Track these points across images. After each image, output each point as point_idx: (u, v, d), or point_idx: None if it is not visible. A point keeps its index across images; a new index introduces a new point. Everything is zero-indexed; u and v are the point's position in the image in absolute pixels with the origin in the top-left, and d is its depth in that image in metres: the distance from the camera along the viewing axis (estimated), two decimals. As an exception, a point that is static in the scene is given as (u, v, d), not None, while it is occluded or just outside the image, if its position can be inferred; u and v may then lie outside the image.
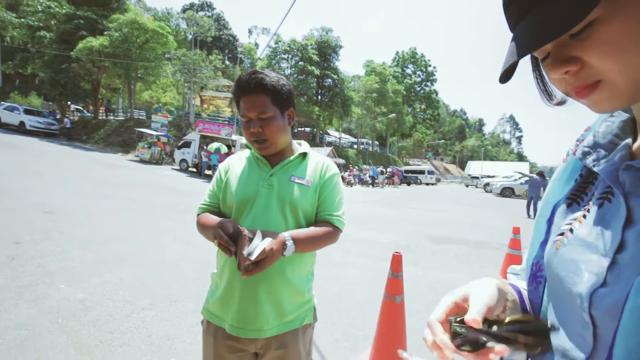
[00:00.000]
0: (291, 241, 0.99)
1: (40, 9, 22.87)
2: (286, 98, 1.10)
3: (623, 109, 0.39)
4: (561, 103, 0.45)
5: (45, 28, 22.83)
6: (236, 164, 1.19)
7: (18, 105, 20.59)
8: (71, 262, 3.56)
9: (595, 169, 0.43)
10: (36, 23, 22.76)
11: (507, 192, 21.40)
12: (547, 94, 0.45)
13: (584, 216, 0.43)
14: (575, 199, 0.46)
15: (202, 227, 1.15)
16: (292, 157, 1.14)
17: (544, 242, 0.49)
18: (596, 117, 0.49)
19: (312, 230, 1.08)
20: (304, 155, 1.17)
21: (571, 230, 0.44)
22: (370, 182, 24.00)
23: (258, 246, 0.89)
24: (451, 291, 0.49)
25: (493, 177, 34.39)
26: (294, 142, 1.23)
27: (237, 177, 1.14)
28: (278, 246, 0.95)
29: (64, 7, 22.80)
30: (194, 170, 16.70)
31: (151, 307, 2.80)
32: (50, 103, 27.03)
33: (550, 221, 0.49)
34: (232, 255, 0.95)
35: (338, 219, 1.13)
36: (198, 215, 1.20)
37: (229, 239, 0.93)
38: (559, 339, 0.43)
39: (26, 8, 23.49)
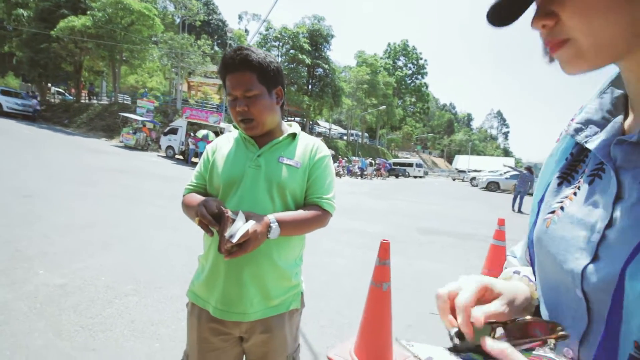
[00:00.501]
0: (276, 224, 0.95)
1: (17, -16, 21.67)
2: (273, 75, 1.05)
3: (587, 71, 0.38)
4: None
5: (22, 5, 21.66)
6: (224, 145, 1.15)
7: (-6, 85, 19.65)
8: (51, 248, 3.44)
9: (587, 145, 0.43)
10: (13, -1, 21.56)
11: (492, 186, 21.85)
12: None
13: (575, 194, 0.43)
14: (566, 177, 0.46)
15: (187, 207, 1.11)
16: (280, 138, 1.10)
17: (535, 223, 0.48)
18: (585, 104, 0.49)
19: (299, 213, 1.05)
20: (293, 135, 1.14)
21: (562, 208, 0.43)
22: (359, 173, 24.10)
23: (241, 228, 0.86)
24: (473, 276, 0.45)
25: (479, 171, 35.05)
26: (285, 123, 1.19)
27: (224, 158, 1.10)
28: (262, 228, 0.92)
29: (43, -17, 21.65)
30: (181, 157, 16.37)
31: (135, 293, 2.75)
32: (29, 84, 25.89)
33: (541, 201, 0.48)
34: (214, 235, 0.91)
35: (328, 202, 1.10)
36: (184, 195, 1.16)
37: (212, 218, 0.89)
38: (554, 311, 0.43)
39: (2, -17, 22.19)
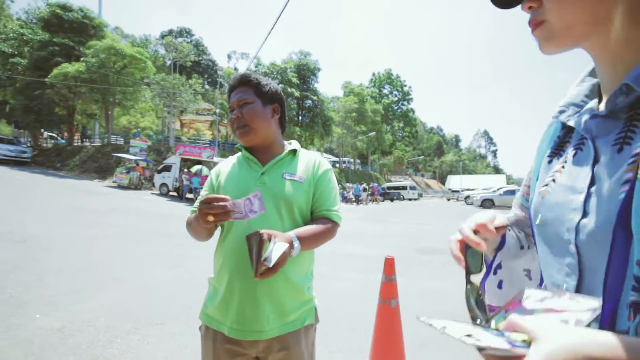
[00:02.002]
0: (297, 241, 0.98)
1: (13, 36, 22.44)
2: (269, 93, 1.15)
3: (560, 51, 0.47)
4: None
5: (18, 55, 22.31)
6: (227, 166, 1.19)
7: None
8: (47, 291, 3.34)
9: (569, 123, 0.51)
10: (9, 49, 22.22)
11: (487, 203, 22.03)
12: None
13: (563, 167, 0.50)
14: (554, 155, 0.53)
15: (190, 223, 1.12)
16: (282, 155, 1.15)
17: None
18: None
19: (314, 227, 1.08)
20: (294, 152, 1.18)
21: (554, 180, 0.50)
22: (353, 199, 24.14)
23: (273, 250, 0.87)
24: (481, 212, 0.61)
25: (473, 189, 35.44)
26: (285, 141, 1.25)
27: (229, 178, 1.14)
28: (288, 248, 0.94)
29: (38, 34, 22.47)
30: (175, 194, 16.29)
31: (136, 331, 2.66)
32: (22, 131, 26.02)
33: (536, 181, 0.55)
34: (231, 219, 0.91)
35: (336, 214, 1.14)
36: (188, 217, 1.17)
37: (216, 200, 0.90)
38: (551, 275, 0.48)
39: (-3, 36, 22.98)
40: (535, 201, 0.53)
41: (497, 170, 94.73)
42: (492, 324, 0.43)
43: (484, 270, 0.61)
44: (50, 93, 20.69)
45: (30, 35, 22.35)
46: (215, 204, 0.90)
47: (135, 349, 2.40)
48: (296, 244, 0.97)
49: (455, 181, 62.75)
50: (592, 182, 0.43)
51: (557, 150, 0.53)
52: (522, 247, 0.63)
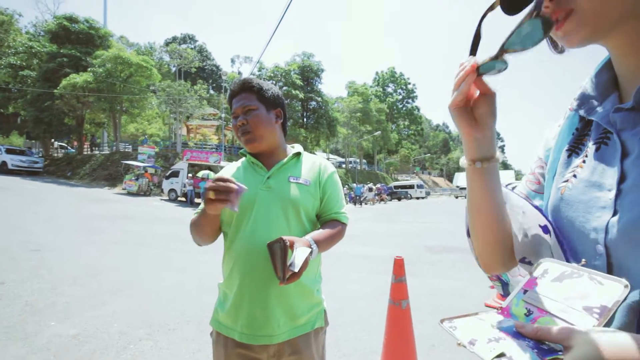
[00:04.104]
0: (315, 245, 0.99)
1: (22, 49, 22.98)
2: (271, 98, 1.15)
3: (589, 43, 0.45)
4: (562, 51, 0.50)
5: (27, 67, 22.84)
6: (232, 171, 1.19)
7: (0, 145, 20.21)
8: (61, 298, 3.40)
9: (590, 117, 0.49)
10: (19, 62, 22.76)
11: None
12: (553, 43, 0.51)
13: (584, 161, 0.48)
14: (574, 150, 0.51)
15: (193, 223, 1.10)
16: (286, 159, 1.16)
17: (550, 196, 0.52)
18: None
19: (328, 231, 1.09)
20: (297, 155, 1.19)
21: (574, 176, 0.48)
22: (360, 200, 24.08)
23: (297, 256, 0.89)
24: None
25: (480, 186, 34.97)
26: (288, 145, 1.25)
27: None
28: (309, 253, 0.94)
29: (46, 47, 22.98)
30: (183, 199, 16.46)
31: (149, 337, 2.69)
32: (33, 141, 26.59)
33: (554, 176, 0.53)
34: (236, 208, 0.89)
35: (344, 215, 1.16)
36: (192, 219, 1.14)
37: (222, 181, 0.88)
38: None
39: (7, 50, 23.56)
40: (554, 197, 0.50)
41: (505, 166, 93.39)
42: (513, 301, 0.42)
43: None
44: (59, 104, 21.13)
45: (38, 48, 22.89)
46: (221, 183, 0.89)
47: (149, 354, 2.43)
48: (314, 248, 0.98)
49: (462, 178, 61.97)
50: (622, 179, 0.41)
51: (576, 144, 0.51)
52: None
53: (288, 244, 0.89)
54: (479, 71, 0.47)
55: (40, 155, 23.69)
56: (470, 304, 3.55)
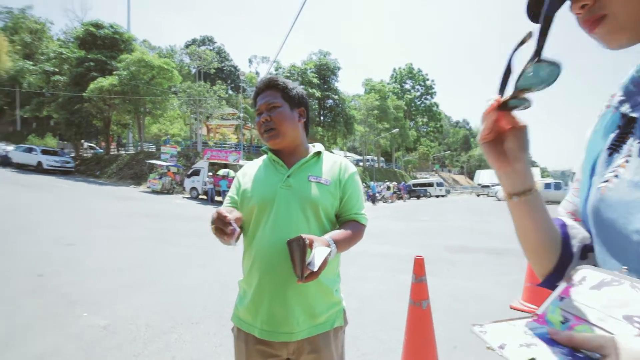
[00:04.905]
0: (334, 245, 0.99)
1: (53, 55, 24.25)
2: (296, 97, 1.16)
3: (627, 44, 0.42)
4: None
5: (59, 72, 24.10)
6: (253, 169, 1.20)
7: (35, 146, 21.45)
8: (92, 291, 3.59)
9: (634, 114, 0.46)
10: (51, 68, 24.06)
11: (519, 198, 20.99)
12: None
13: (627, 161, 0.45)
14: (615, 149, 0.48)
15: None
16: (307, 157, 1.16)
17: (587, 197, 0.50)
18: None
19: (347, 231, 1.08)
20: (318, 154, 1.19)
21: (616, 176, 0.45)
22: (379, 198, 23.86)
23: (315, 255, 0.89)
24: None
25: (504, 184, 33.82)
26: (309, 144, 1.25)
27: (255, 181, 1.15)
28: (329, 253, 0.94)
29: (75, 52, 24.14)
30: (204, 197, 16.89)
31: (173, 331, 2.79)
32: (65, 142, 28.01)
33: (592, 175, 0.51)
34: (234, 241, 0.95)
35: (364, 216, 1.15)
36: None
37: (226, 218, 0.93)
38: None
39: (40, 57, 24.91)
40: (594, 198, 0.48)
41: (530, 163, 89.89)
42: (549, 308, 0.41)
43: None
44: (88, 106, 22.19)
45: (68, 54, 24.09)
46: (219, 223, 0.94)
47: (173, 347, 2.52)
48: (333, 248, 0.98)
49: (485, 176, 60.15)
50: None
51: (617, 142, 0.49)
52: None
53: (307, 242, 0.89)
54: (507, 106, 0.48)
55: (72, 155, 24.92)
56: (494, 305, 3.46)
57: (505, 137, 0.52)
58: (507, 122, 0.50)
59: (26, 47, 34.34)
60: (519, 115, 0.50)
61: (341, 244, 1.03)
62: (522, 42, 0.46)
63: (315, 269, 0.86)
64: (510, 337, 0.38)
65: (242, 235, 1.17)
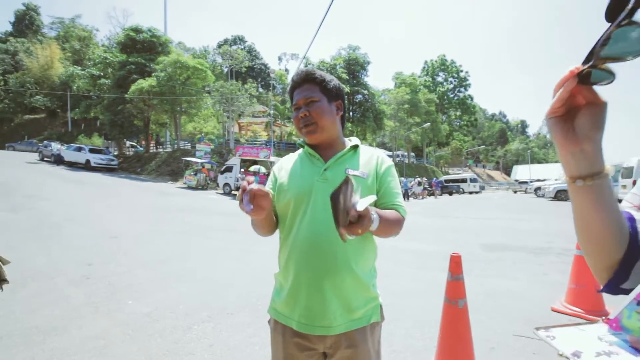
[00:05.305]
0: (376, 215, 0.90)
1: (99, 60, 26.08)
2: (333, 90, 1.13)
3: None
4: None
5: (104, 76, 25.89)
6: (289, 163, 1.19)
7: (84, 145, 23.29)
8: (136, 280, 3.83)
9: None
10: (97, 72, 25.91)
11: (562, 195, 19.60)
12: None
13: None
14: None
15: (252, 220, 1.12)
16: (344, 151, 1.14)
17: None
18: None
19: (390, 212, 1.04)
20: (355, 147, 1.17)
21: None
22: (408, 194, 23.33)
23: (360, 200, 0.79)
24: None
25: (544, 180, 31.82)
26: (345, 138, 1.23)
27: (292, 174, 1.14)
28: (374, 201, 0.87)
29: (117, 56, 25.78)
30: (237, 193, 17.40)
31: (210, 320, 2.91)
32: (110, 141, 30.11)
33: None
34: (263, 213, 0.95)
35: (403, 208, 1.11)
36: None
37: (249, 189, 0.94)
38: None
39: (87, 62, 26.88)
40: None
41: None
42: (624, 313, 0.37)
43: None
44: (129, 107, 23.64)
45: (112, 58, 25.77)
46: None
47: (210, 335, 2.63)
48: (374, 215, 0.88)
49: (522, 171, 56.87)
50: None
51: None
52: None
53: (354, 182, 0.78)
54: (587, 79, 0.41)
55: (115, 154, 26.74)
56: (533, 306, 3.26)
57: (578, 113, 0.46)
58: (584, 96, 0.44)
59: (75, 54, 37.29)
60: (599, 90, 0.43)
61: (383, 221, 0.95)
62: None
63: (361, 209, 0.76)
64: (583, 344, 0.35)
65: (277, 228, 1.18)
